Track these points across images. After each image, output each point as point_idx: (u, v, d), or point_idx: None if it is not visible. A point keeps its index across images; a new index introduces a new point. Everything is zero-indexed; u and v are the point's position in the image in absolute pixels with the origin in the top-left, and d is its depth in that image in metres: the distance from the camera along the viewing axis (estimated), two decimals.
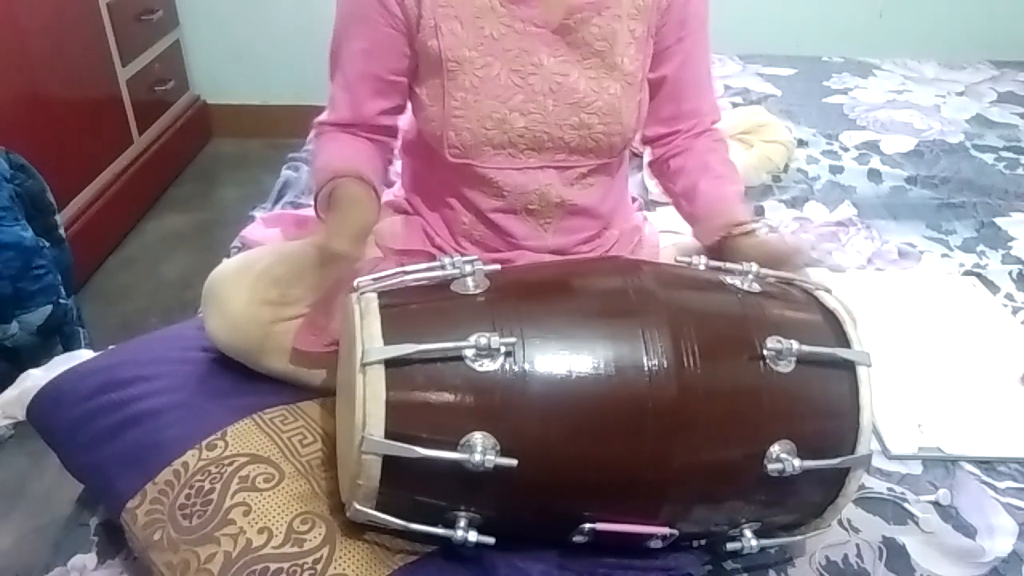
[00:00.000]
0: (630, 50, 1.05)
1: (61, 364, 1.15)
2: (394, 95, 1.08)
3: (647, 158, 1.64)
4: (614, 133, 1.06)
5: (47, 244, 1.74)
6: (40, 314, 1.68)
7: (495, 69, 1.01)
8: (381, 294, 0.84)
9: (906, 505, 1.03)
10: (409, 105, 1.11)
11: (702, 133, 1.15)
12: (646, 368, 0.81)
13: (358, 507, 0.81)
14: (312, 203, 1.00)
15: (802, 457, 0.82)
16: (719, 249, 1.05)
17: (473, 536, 0.80)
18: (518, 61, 1.02)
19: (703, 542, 0.93)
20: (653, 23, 1.06)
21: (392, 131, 1.12)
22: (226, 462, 0.93)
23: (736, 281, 0.90)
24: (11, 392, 1.21)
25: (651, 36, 1.06)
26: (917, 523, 1.01)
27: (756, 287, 0.90)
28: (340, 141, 1.08)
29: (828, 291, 0.94)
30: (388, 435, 0.76)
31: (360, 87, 1.06)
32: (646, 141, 1.19)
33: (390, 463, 0.77)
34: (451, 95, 1.02)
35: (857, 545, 0.97)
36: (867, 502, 1.03)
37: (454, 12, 1.00)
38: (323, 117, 1.11)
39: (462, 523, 0.81)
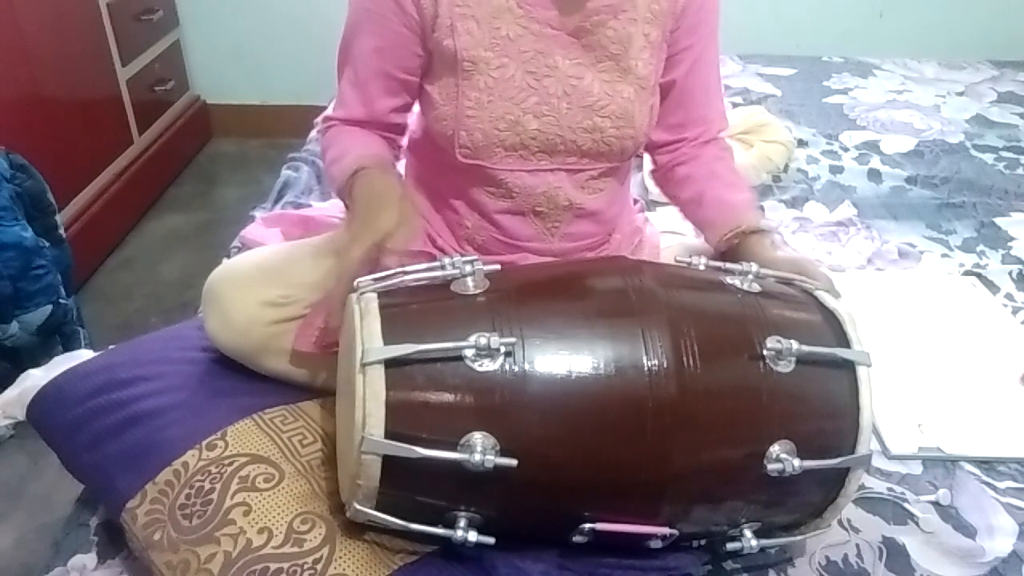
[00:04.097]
0: (644, 54, 1.04)
1: (61, 364, 1.15)
2: (404, 93, 1.07)
3: (648, 164, 1.64)
4: (626, 137, 1.05)
5: (47, 244, 1.74)
6: (40, 314, 1.68)
7: (510, 70, 1.01)
8: (381, 294, 0.84)
9: (906, 505, 1.03)
10: (416, 104, 1.10)
11: (708, 142, 1.15)
12: (646, 368, 0.81)
13: (358, 507, 0.81)
14: (311, 203, 1.00)
15: (802, 457, 0.82)
16: (731, 254, 1.05)
17: (473, 536, 0.80)
18: (533, 63, 1.01)
19: (703, 542, 0.93)
20: (668, 28, 1.05)
21: (401, 129, 1.12)
22: (226, 462, 0.93)
23: (736, 281, 0.90)
24: (11, 392, 1.21)
25: (665, 41, 1.06)
26: (917, 523, 1.01)
27: (756, 287, 0.90)
28: (355, 134, 1.07)
29: (828, 291, 0.94)
30: (388, 435, 0.77)
31: (372, 84, 1.05)
32: (650, 147, 1.18)
33: (390, 463, 0.77)
34: (465, 95, 1.01)
35: (857, 545, 0.97)
36: (867, 502, 1.03)
37: (471, 12, 1.00)
38: (331, 113, 1.10)
39: (462, 523, 0.81)
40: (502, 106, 1.01)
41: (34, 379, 1.16)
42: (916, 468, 1.10)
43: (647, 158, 1.22)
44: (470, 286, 0.85)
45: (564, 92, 1.02)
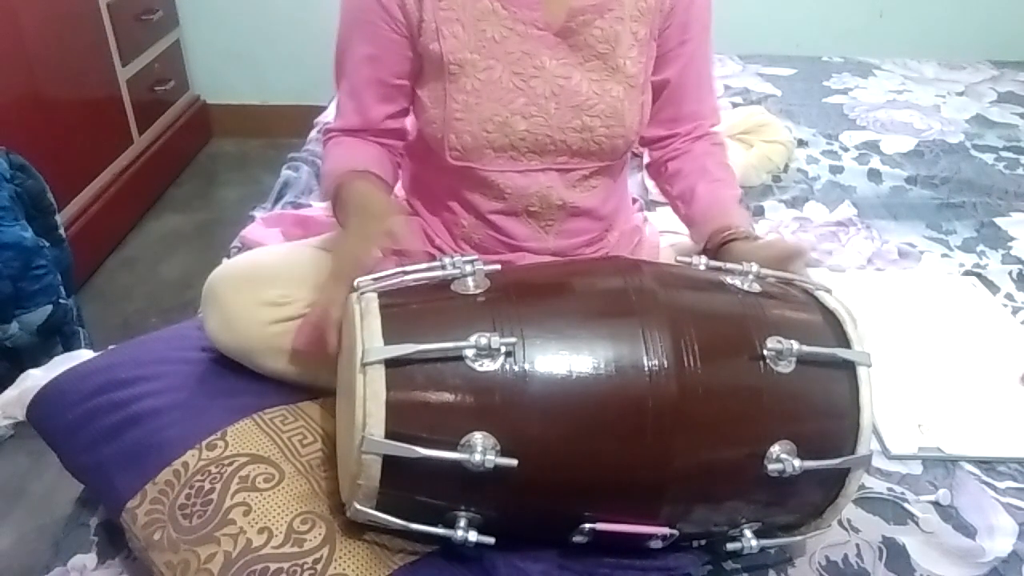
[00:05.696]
0: (632, 52, 1.04)
1: (61, 364, 1.15)
2: (400, 99, 1.08)
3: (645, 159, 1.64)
4: (616, 136, 1.05)
5: (47, 244, 1.74)
6: (40, 314, 1.68)
7: (497, 72, 1.01)
8: (381, 294, 0.84)
9: (906, 505, 1.03)
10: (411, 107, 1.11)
11: (701, 136, 1.15)
12: (646, 368, 0.81)
13: (358, 507, 0.81)
14: (311, 203, 1.01)
15: (802, 457, 0.82)
16: (718, 253, 1.05)
17: (473, 536, 0.80)
18: (520, 64, 1.01)
19: (703, 542, 0.93)
20: (656, 25, 1.06)
21: (400, 134, 1.12)
22: (226, 462, 0.93)
23: (736, 281, 0.90)
24: (11, 392, 1.21)
25: (654, 39, 1.06)
26: (917, 523, 1.01)
27: (756, 287, 0.90)
28: (348, 145, 1.09)
29: (828, 291, 0.94)
30: (388, 435, 0.76)
31: (366, 92, 1.06)
32: (644, 143, 1.18)
33: (390, 463, 0.77)
34: (452, 98, 1.02)
35: (857, 545, 0.97)
36: (867, 502, 1.03)
37: (455, 15, 1.00)
38: (331, 124, 1.12)
39: (462, 523, 0.81)
40: (490, 108, 1.01)
41: (34, 379, 1.16)
42: (916, 468, 1.10)
43: (646, 157, 1.23)
44: (470, 286, 0.85)
45: (552, 92, 1.02)
